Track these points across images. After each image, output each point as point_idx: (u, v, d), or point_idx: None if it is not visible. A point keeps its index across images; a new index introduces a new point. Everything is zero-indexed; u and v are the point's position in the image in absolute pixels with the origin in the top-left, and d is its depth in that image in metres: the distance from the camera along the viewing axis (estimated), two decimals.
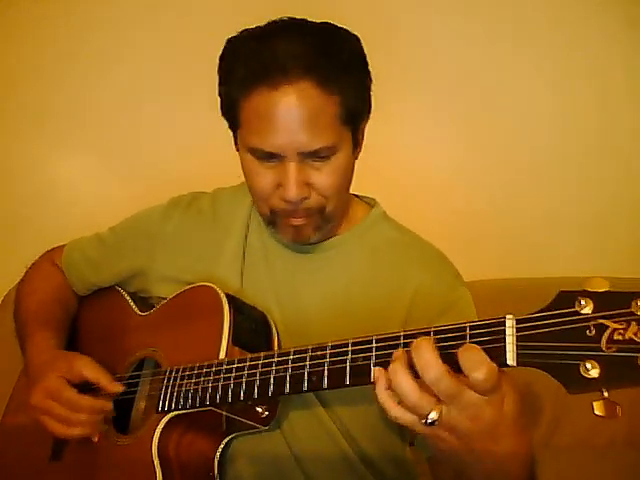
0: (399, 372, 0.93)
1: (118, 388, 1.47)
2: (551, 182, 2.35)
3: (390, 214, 1.65)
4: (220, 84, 1.41)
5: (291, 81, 1.27)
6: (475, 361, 0.88)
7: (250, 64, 1.30)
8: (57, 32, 2.55)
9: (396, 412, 0.95)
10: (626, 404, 1.82)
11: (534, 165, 2.37)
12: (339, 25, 1.39)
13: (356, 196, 1.65)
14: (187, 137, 2.40)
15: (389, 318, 1.41)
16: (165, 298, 1.59)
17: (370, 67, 1.42)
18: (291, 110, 1.28)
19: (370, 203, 1.64)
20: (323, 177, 1.36)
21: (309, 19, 1.39)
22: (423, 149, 2.47)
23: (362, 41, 1.41)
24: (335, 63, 1.31)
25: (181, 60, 2.11)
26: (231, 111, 1.39)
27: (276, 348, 1.42)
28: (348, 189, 1.50)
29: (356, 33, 1.40)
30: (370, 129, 1.89)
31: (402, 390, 0.92)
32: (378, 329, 1.08)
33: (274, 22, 1.36)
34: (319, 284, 1.52)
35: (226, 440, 1.43)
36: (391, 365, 0.94)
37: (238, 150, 1.45)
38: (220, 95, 1.41)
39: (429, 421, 0.91)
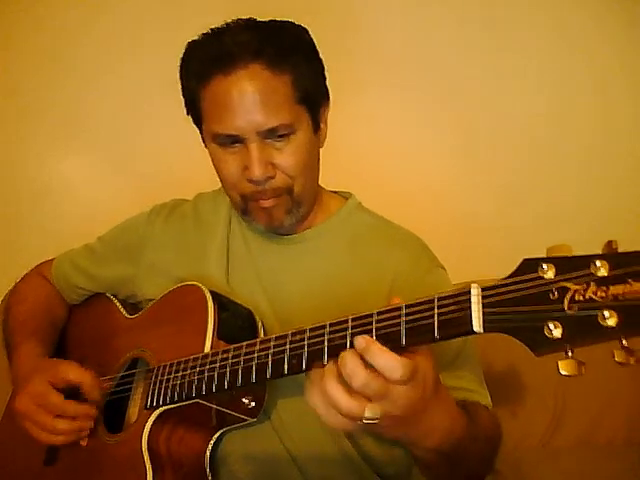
0: (329, 384, 1.01)
1: (96, 395, 1.47)
2: (550, 181, 2.34)
3: (388, 215, 1.67)
4: (181, 81, 1.51)
5: (241, 66, 1.37)
6: (388, 367, 0.97)
7: (204, 57, 1.42)
8: (57, 32, 2.58)
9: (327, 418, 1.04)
10: (624, 405, 1.82)
11: (533, 164, 2.36)
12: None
13: (332, 191, 1.70)
14: (187, 138, 2.40)
15: (371, 302, 1.42)
16: (153, 299, 1.62)
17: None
18: (245, 93, 1.37)
19: (345, 196, 1.69)
20: (285, 156, 1.43)
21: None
22: (422, 150, 2.47)
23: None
24: (281, 46, 1.40)
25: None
26: (193, 105, 1.48)
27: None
28: (315, 173, 1.56)
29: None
30: (366, 131, 1.92)
31: (334, 401, 1.00)
32: None
33: (225, 23, 1.45)
34: (301, 273, 1.56)
35: (217, 435, 1.43)
36: (323, 379, 1.02)
37: (206, 146, 1.52)
38: (182, 93, 1.51)
39: (365, 421, 0.99)
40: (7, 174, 2.63)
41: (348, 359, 0.98)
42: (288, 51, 1.40)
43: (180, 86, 1.51)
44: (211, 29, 1.45)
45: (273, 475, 1.45)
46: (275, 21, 1.45)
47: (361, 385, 0.97)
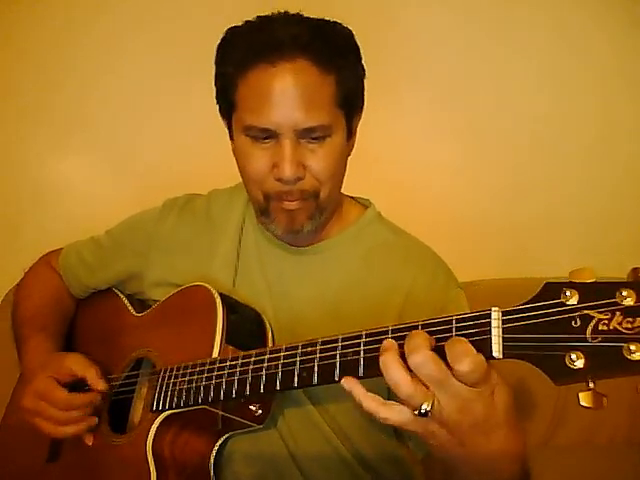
0: (392, 363, 0.93)
1: (102, 385, 1.46)
2: (551, 181, 2.35)
3: (389, 215, 1.66)
4: (217, 68, 1.43)
5: (288, 59, 1.31)
6: (458, 353, 0.90)
7: (248, 44, 1.34)
8: (57, 32, 2.56)
9: (384, 413, 0.97)
10: (626, 404, 1.83)
11: (534, 164, 2.36)
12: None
13: (351, 198, 1.66)
14: (187, 137, 2.41)
15: (382, 319, 1.40)
16: (158, 300, 1.60)
17: (371, 65, 1.44)
18: (288, 87, 1.31)
19: (365, 204, 1.65)
20: (318, 159, 1.37)
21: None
22: (423, 150, 2.47)
23: (363, 38, 1.43)
24: (331, 45, 1.35)
25: (181, 61, 2.11)
26: (227, 93, 1.40)
27: (270, 346, 1.41)
28: (341, 180, 1.51)
29: (357, 30, 1.43)
30: (369, 129, 1.88)
31: (395, 380, 0.93)
32: None
33: (272, 13, 1.39)
34: (312, 285, 1.52)
35: (222, 440, 1.43)
36: (382, 357, 0.95)
37: (232, 139, 1.46)
38: (216, 80, 1.44)
39: (422, 411, 0.91)
40: (7, 174, 2.61)
41: (416, 335, 0.93)
42: (337, 50, 1.36)
43: (214, 72, 1.44)
44: (258, 17, 1.39)
45: (275, 477, 1.45)
46: (324, 19, 1.40)
47: (419, 362, 0.91)
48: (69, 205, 2.64)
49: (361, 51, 1.43)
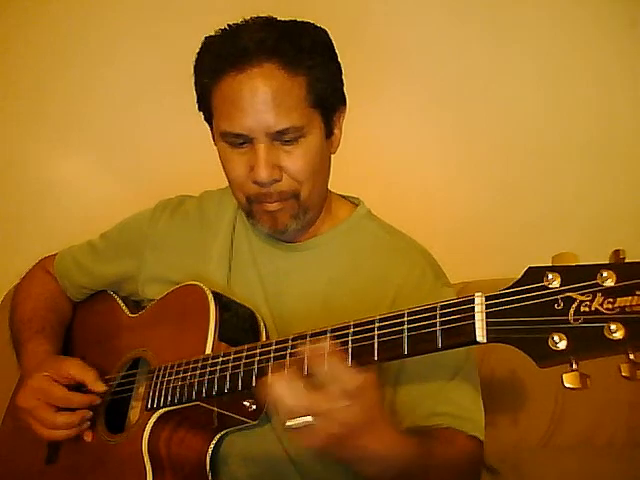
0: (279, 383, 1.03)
1: (101, 387, 1.48)
2: (551, 181, 2.34)
3: (387, 215, 1.66)
4: (195, 77, 1.46)
5: (256, 64, 1.34)
6: (334, 376, 1.00)
7: (219, 53, 1.38)
8: (56, 32, 2.58)
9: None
10: (625, 404, 1.82)
11: (534, 164, 2.35)
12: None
13: (340, 196, 1.67)
14: (187, 137, 2.40)
15: (375, 311, 1.41)
16: (154, 300, 1.61)
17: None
18: (257, 91, 1.34)
19: (355, 202, 1.66)
20: (293, 160, 1.40)
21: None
22: (422, 149, 2.46)
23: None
24: (299, 47, 1.37)
25: (180, 60, 2.10)
26: (204, 101, 1.45)
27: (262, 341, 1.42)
28: (324, 179, 1.53)
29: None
30: (368, 128, 1.91)
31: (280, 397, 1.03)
32: None
33: (244, 19, 1.42)
34: (304, 281, 1.54)
35: (217, 437, 1.43)
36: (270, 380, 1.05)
37: (215, 144, 1.49)
38: (195, 89, 1.47)
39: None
40: (7, 174, 2.62)
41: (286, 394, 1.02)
42: (305, 52, 1.37)
43: (193, 82, 1.47)
44: (228, 25, 1.42)
45: (272, 478, 1.45)
46: (295, 21, 1.42)
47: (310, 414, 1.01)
48: (69, 205, 2.64)
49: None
